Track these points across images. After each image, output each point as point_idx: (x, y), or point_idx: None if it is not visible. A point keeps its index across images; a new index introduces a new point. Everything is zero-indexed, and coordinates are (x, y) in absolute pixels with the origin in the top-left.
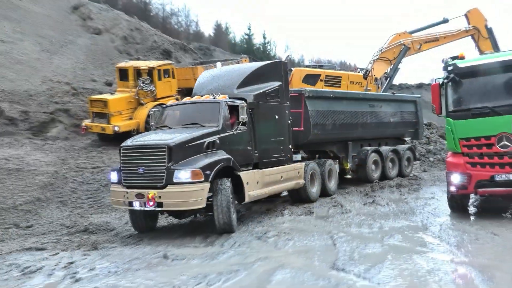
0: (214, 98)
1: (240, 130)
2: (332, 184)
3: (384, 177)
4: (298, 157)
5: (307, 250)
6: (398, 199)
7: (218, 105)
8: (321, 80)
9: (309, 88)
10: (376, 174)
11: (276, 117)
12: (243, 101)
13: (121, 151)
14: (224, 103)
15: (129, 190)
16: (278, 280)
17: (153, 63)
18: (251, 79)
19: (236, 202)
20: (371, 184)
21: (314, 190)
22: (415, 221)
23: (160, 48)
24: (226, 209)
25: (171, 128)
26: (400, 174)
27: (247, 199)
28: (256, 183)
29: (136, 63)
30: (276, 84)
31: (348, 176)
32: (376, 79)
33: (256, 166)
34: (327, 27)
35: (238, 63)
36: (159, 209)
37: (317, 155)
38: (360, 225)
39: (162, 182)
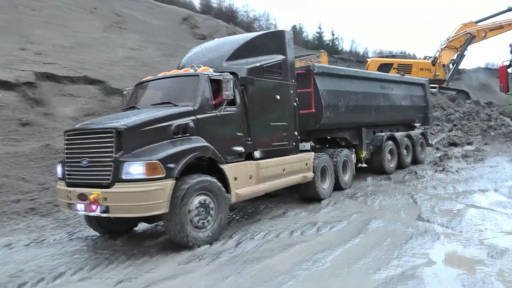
0: (194, 70)
1: (227, 111)
2: (347, 177)
3: (399, 165)
4: (307, 146)
5: (392, 206)
6: (466, 167)
7: (197, 79)
8: (393, 68)
9: (318, 64)
10: (392, 164)
11: (278, 97)
12: (229, 74)
13: (65, 137)
14: (206, 77)
15: (71, 189)
16: (374, 228)
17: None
18: (245, 50)
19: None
20: (402, 169)
21: (326, 185)
22: (485, 185)
23: None
24: (181, 222)
25: (139, 109)
26: (415, 161)
27: (233, 199)
28: (249, 177)
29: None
30: (277, 58)
31: (364, 165)
32: (443, 65)
33: (249, 157)
34: (387, 21)
35: (318, 57)
36: (105, 215)
37: (327, 145)
38: (435, 187)
39: (108, 179)
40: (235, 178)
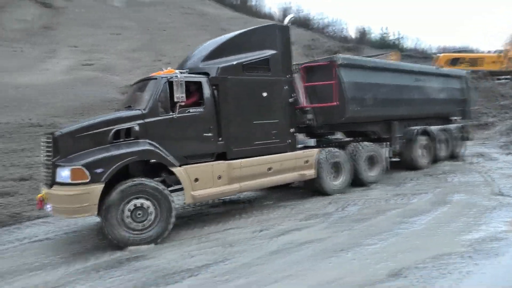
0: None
1: (189, 112)
2: (374, 173)
3: (433, 160)
4: (311, 142)
5: (471, 183)
6: None
7: (153, 83)
8: (464, 62)
9: (342, 55)
10: (426, 159)
11: (264, 94)
12: (177, 76)
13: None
14: (163, 80)
15: (42, 187)
16: (458, 199)
17: None
18: (227, 49)
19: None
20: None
21: (338, 181)
22: None
23: (332, 50)
24: (114, 225)
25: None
26: (451, 155)
27: (188, 200)
28: (217, 178)
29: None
30: (266, 53)
31: (395, 159)
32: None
33: (223, 157)
34: (449, 17)
35: (388, 57)
36: (52, 214)
37: (359, 138)
38: (510, 167)
39: (50, 181)
40: (196, 179)
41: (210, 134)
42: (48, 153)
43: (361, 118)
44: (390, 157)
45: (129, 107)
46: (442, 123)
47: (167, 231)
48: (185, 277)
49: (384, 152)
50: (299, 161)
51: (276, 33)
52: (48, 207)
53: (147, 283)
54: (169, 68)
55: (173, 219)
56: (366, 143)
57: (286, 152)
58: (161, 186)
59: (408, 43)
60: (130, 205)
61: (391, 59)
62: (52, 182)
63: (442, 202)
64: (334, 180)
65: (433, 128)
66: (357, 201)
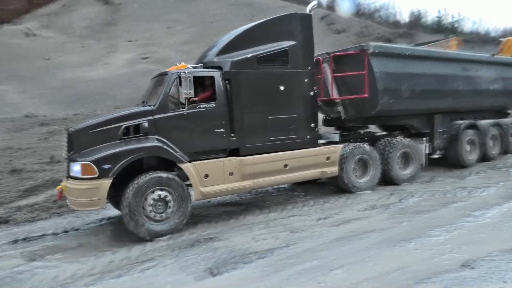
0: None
1: (200, 108)
2: (408, 171)
3: (483, 158)
4: (335, 137)
5: None
6: None
7: (164, 78)
8: None
9: (375, 43)
10: (472, 156)
11: (281, 88)
12: (185, 72)
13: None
14: (174, 76)
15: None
16: None
17: None
18: (242, 41)
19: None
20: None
21: (365, 179)
22: None
23: (383, 37)
24: (131, 215)
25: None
26: (505, 153)
27: (197, 197)
28: (229, 174)
29: None
30: (284, 44)
31: (435, 156)
32: None
33: (235, 153)
34: None
35: (448, 42)
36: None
37: (396, 132)
38: None
39: (66, 174)
40: (206, 176)
41: (222, 130)
42: (66, 148)
43: (395, 111)
44: (430, 154)
45: (143, 103)
46: (495, 117)
47: (185, 220)
48: (253, 259)
49: (422, 148)
50: (320, 157)
51: (297, 22)
52: (68, 199)
53: (224, 261)
54: (182, 63)
55: (189, 209)
56: (400, 138)
57: (306, 148)
58: (176, 178)
59: (468, 26)
60: (149, 197)
61: (448, 46)
62: (68, 175)
63: (507, 196)
64: (360, 178)
65: (483, 122)
66: (414, 193)
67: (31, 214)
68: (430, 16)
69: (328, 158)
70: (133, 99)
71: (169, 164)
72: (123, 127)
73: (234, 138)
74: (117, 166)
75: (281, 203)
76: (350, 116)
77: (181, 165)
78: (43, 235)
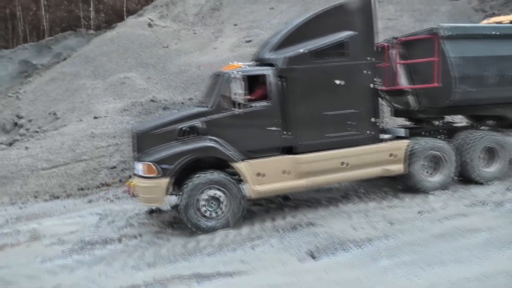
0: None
1: (254, 107)
2: (492, 168)
3: None
4: (401, 132)
5: None
6: None
7: (219, 78)
8: None
9: (447, 24)
10: None
11: (338, 82)
12: (237, 73)
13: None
14: (226, 76)
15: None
16: None
17: None
18: (296, 36)
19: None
20: None
21: (436, 178)
22: None
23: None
24: (186, 213)
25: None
26: None
27: (250, 194)
28: (283, 173)
29: (498, 18)
30: (342, 36)
31: None
32: None
33: (290, 151)
34: None
35: None
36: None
37: (480, 123)
38: None
39: (135, 173)
40: (259, 174)
41: (275, 128)
42: (132, 148)
43: (478, 100)
44: None
45: (201, 103)
46: None
47: (239, 218)
48: (352, 247)
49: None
50: (382, 154)
51: (356, 11)
52: (132, 193)
53: (324, 246)
54: (235, 62)
55: (244, 207)
56: (484, 131)
57: (367, 144)
58: (229, 178)
59: None
60: (205, 195)
61: None
62: (135, 174)
63: None
64: (431, 176)
65: None
66: None
67: None
68: None
69: (391, 155)
70: None
71: (225, 162)
72: (180, 128)
73: (288, 136)
74: (175, 166)
75: (381, 191)
76: (422, 107)
77: (234, 164)
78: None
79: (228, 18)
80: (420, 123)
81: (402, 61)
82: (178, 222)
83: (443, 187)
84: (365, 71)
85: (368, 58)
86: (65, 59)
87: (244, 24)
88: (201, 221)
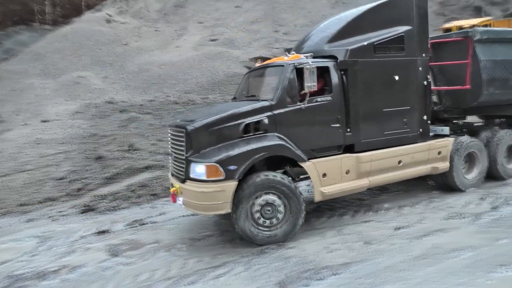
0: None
1: (317, 101)
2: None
3: None
4: (445, 130)
5: None
6: None
7: (279, 70)
8: None
9: (481, 28)
10: None
11: (396, 78)
12: (313, 61)
13: (168, 129)
14: (291, 67)
15: (171, 179)
16: None
17: (474, 21)
18: (353, 28)
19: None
20: None
21: (472, 175)
22: None
23: (472, 6)
24: (241, 221)
25: (237, 101)
26: None
27: (317, 198)
28: (345, 173)
29: (459, 22)
30: (399, 30)
31: None
32: None
33: (350, 149)
34: None
35: None
36: (184, 208)
37: (498, 120)
38: None
39: (183, 176)
40: (324, 175)
41: (338, 125)
42: (178, 147)
43: (501, 102)
44: None
45: (251, 97)
46: None
47: (297, 228)
48: (327, 275)
49: None
50: (432, 152)
51: (412, 5)
52: (180, 200)
53: (297, 275)
54: (293, 53)
55: (302, 217)
56: (507, 130)
57: (417, 142)
58: (291, 183)
59: None
60: (259, 201)
61: None
62: (186, 177)
63: None
64: (467, 174)
65: None
66: (510, 199)
67: (113, 203)
68: None
69: (439, 153)
70: (203, 83)
71: (277, 162)
72: (243, 124)
73: (350, 134)
74: (243, 167)
75: (353, 203)
76: (445, 107)
77: (303, 164)
78: (125, 226)
79: (192, 16)
80: (442, 123)
81: (436, 63)
82: (132, 244)
83: (476, 185)
84: (420, 68)
85: (423, 54)
86: (15, 55)
87: (209, 22)
88: (253, 230)
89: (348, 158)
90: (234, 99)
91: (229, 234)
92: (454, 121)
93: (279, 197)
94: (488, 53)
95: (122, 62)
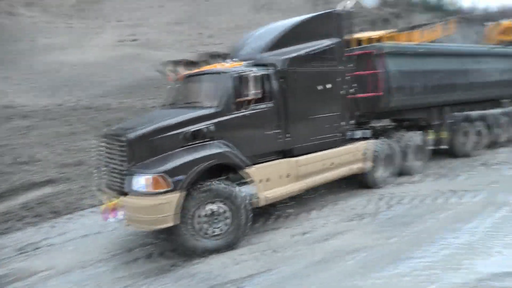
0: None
1: (258, 108)
2: (418, 163)
3: (489, 146)
4: (366, 133)
5: None
6: None
7: (222, 77)
8: None
9: (388, 42)
10: (479, 146)
11: (326, 86)
12: (261, 69)
13: (101, 139)
14: (231, 74)
15: (106, 191)
16: None
17: (381, 33)
18: (290, 37)
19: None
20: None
21: (386, 174)
22: None
23: (381, 18)
24: (186, 232)
25: (174, 108)
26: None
27: (261, 203)
28: (286, 176)
29: (368, 33)
30: (329, 42)
31: (443, 147)
32: None
33: (289, 154)
34: None
35: (447, 24)
36: (126, 223)
37: (404, 123)
38: None
39: (123, 188)
40: (267, 179)
41: (279, 130)
42: (116, 157)
43: (407, 106)
44: (436, 145)
45: (192, 103)
46: (501, 106)
47: (242, 234)
48: None
49: (428, 139)
50: (357, 153)
51: (340, 20)
52: (120, 215)
53: None
54: (235, 60)
55: (249, 223)
56: (413, 132)
57: (345, 145)
58: (236, 189)
59: (464, 2)
60: (205, 210)
61: (447, 28)
62: (128, 190)
63: (499, 203)
64: (384, 172)
65: (490, 112)
66: (404, 197)
67: (4, 225)
68: None
69: (363, 154)
70: (122, 87)
71: (220, 170)
72: (189, 132)
73: (289, 139)
74: (191, 176)
75: (265, 211)
76: (361, 112)
77: (248, 170)
78: (15, 252)
79: (111, 13)
80: (362, 127)
81: (354, 73)
82: (20, 273)
83: (391, 181)
84: (342, 77)
85: (348, 65)
86: None
87: (129, 20)
88: (200, 242)
89: (288, 162)
90: (170, 105)
91: (134, 253)
92: (371, 125)
93: (226, 205)
94: (396, 64)
95: (28, 61)
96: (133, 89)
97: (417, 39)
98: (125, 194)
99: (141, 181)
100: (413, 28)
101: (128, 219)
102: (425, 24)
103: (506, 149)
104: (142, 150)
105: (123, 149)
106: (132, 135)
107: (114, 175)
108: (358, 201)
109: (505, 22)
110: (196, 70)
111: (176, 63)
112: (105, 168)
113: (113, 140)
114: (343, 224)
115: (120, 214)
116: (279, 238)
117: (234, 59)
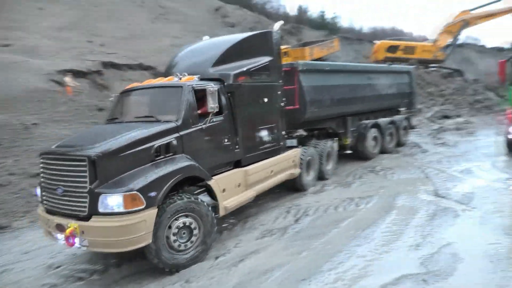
0: (179, 79)
1: (213, 121)
2: (330, 167)
3: (382, 150)
4: (293, 142)
5: (409, 180)
6: (460, 140)
7: (180, 91)
8: (400, 50)
9: (302, 61)
10: (376, 150)
11: (266, 100)
12: (214, 83)
13: (40, 159)
14: (190, 88)
15: (50, 217)
16: (401, 201)
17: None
18: (232, 54)
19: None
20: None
21: (310, 177)
22: (482, 160)
23: None
24: (158, 248)
25: (121, 122)
26: (398, 144)
27: (221, 212)
28: (237, 186)
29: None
30: (265, 59)
31: (348, 152)
32: (443, 47)
33: (237, 164)
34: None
35: (332, 42)
36: (85, 249)
37: (314, 132)
38: (440, 161)
39: (85, 212)
40: (224, 190)
41: (230, 143)
42: (71, 178)
43: (319, 117)
44: (342, 150)
45: (144, 118)
46: (391, 115)
47: (209, 246)
48: None
49: (336, 146)
50: (290, 161)
51: (271, 39)
52: (81, 242)
53: None
54: (185, 75)
55: (214, 235)
56: (325, 140)
57: (280, 153)
58: (203, 202)
59: (344, 23)
60: (176, 225)
61: (332, 46)
62: (91, 212)
63: (388, 207)
64: (307, 176)
65: (382, 120)
66: (308, 209)
67: None
68: (312, 13)
69: (293, 161)
70: None
71: (180, 184)
72: (155, 146)
73: (238, 150)
74: (162, 192)
75: None
76: (288, 123)
77: (210, 182)
78: None
79: None
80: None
81: (283, 87)
82: None
83: (313, 184)
84: (278, 92)
85: (280, 81)
86: None
87: (3, 23)
88: (169, 257)
89: (239, 172)
90: (111, 120)
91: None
92: (297, 134)
93: (194, 218)
94: (308, 80)
95: None
96: (8, 103)
97: (307, 56)
98: (82, 218)
99: (111, 201)
100: (304, 45)
101: (93, 245)
102: (313, 42)
103: (391, 156)
104: (108, 168)
105: (85, 168)
106: (95, 153)
107: (67, 198)
108: (266, 216)
109: (385, 42)
110: (140, 83)
111: (75, 73)
112: (45, 192)
113: (66, 160)
114: (256, 242)
115: (78, 242)
116: (192, 265)
117: (184, 74)
